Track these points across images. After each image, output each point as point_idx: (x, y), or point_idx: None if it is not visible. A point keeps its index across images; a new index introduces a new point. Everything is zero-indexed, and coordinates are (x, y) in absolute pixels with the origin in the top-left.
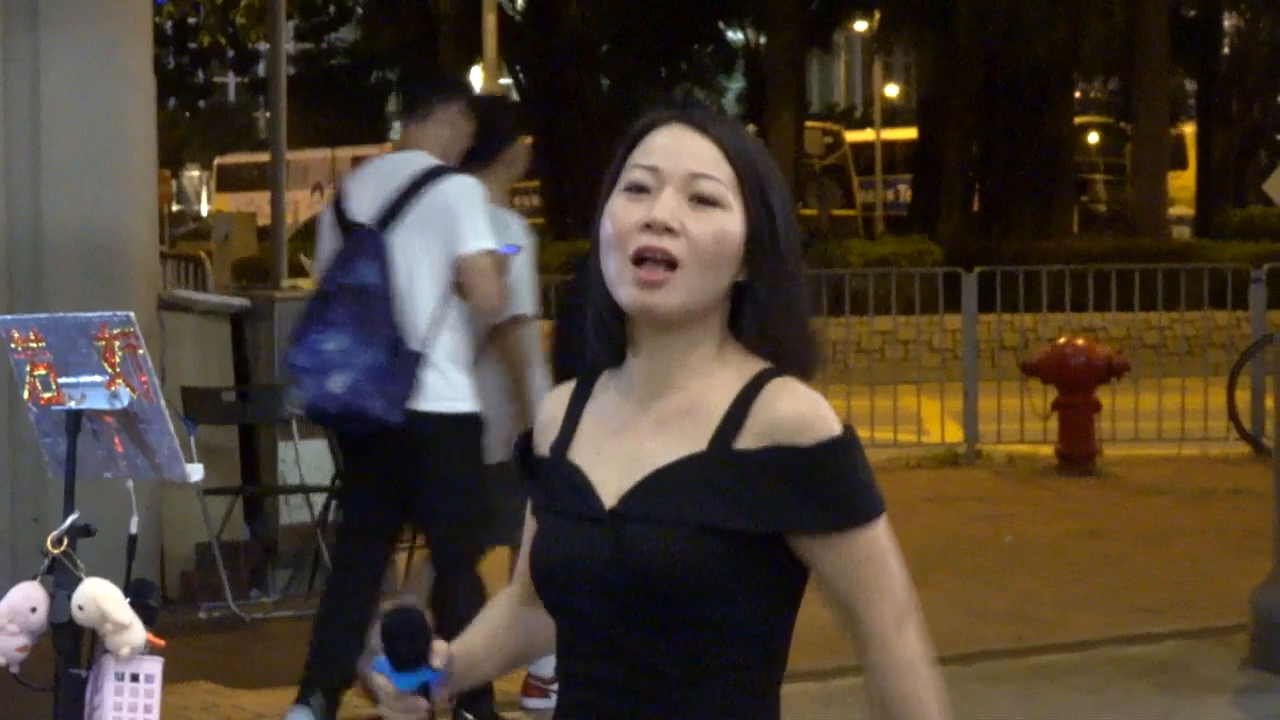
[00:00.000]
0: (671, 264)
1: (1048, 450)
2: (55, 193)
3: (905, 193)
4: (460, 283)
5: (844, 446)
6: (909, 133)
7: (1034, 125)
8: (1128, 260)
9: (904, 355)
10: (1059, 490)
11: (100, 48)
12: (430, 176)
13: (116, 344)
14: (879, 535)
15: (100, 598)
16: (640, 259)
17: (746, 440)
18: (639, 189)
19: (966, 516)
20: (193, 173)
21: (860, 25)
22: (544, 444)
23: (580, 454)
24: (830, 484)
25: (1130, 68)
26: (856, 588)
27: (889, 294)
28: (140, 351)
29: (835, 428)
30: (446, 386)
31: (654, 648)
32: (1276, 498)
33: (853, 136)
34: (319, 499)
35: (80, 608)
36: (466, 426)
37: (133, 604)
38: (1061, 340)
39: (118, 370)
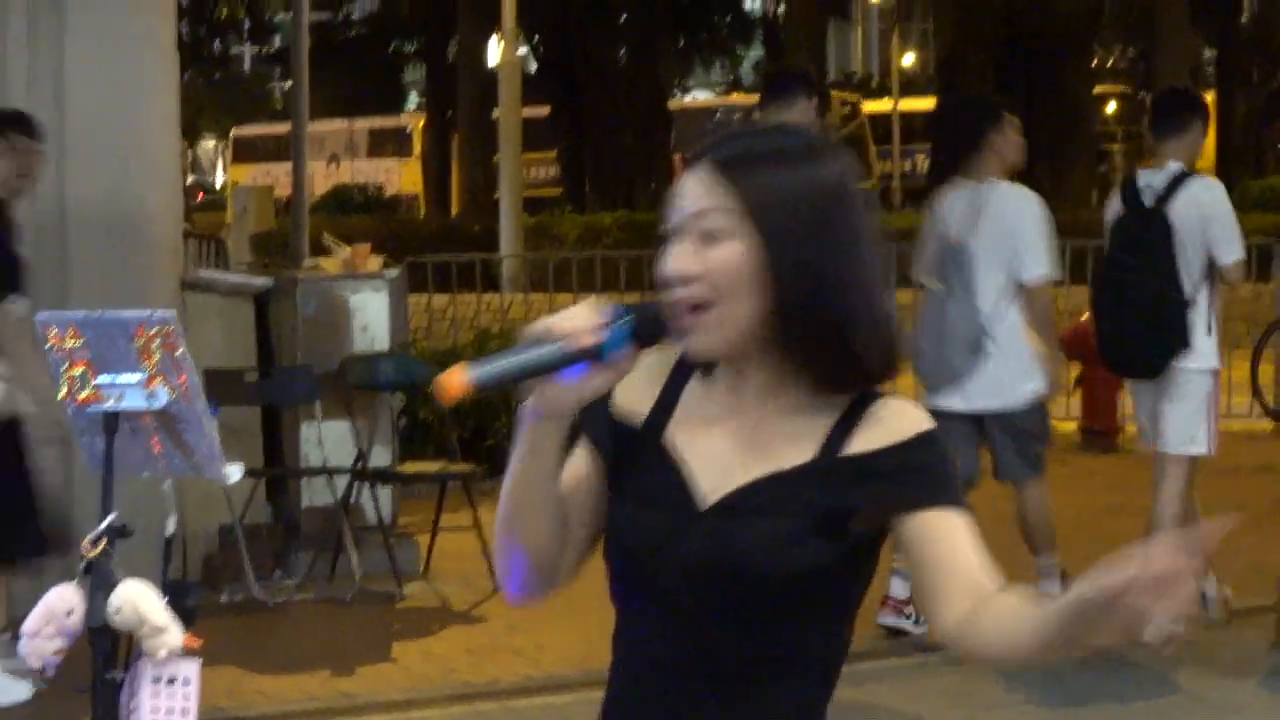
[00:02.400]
0: (698, 307)
1: (1070, 426)
2: (79, 167)
3: (922, 163)
4: None
5: (938, 437)
6: (927, 102)
7: (1052, 93)
8: None
9: None
10: (1082, 466)
11: (124, 19)
12: None
13: (155, 343)
14: (969, 521)
15: (138, 600)
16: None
17: (856, 447)
18: (670, 237)
19: (986, 495)
20: (208, 144)
21: None
22: (632, 407)
23: (677, 441)
24: (931, 466)
25: (1149, 33)
26: (971, 555)
27: (909, 267)
28: (179, 351)
29: (929, 423)
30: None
31: (731, 637)
32: None
33: (870, 106)
34: (342, 481)
35: (117, 611)
36: None
37: (170, 605)
38: (1084, 315)
39: (156, 369)
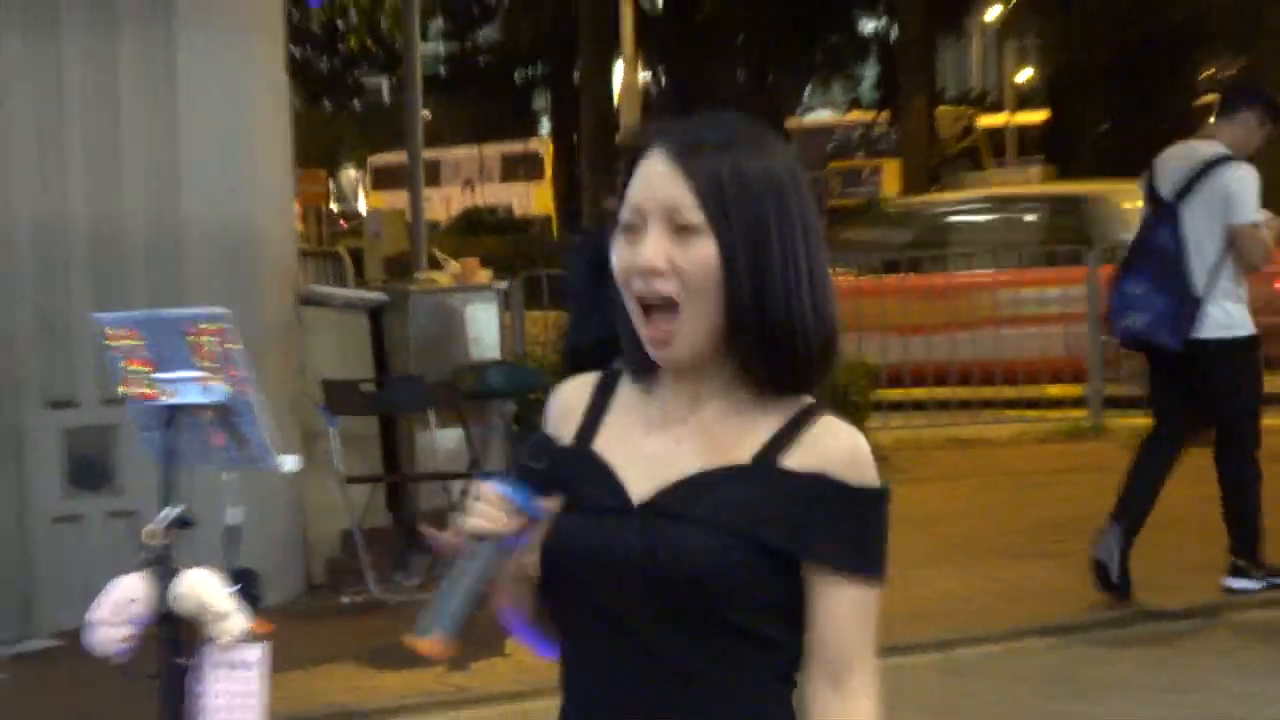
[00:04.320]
0: (670, 305)
1: None
2: (192, 189)
3: (1035, 175)
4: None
5: (883, 499)
6: (1040, 115)
7: (1161, 103)
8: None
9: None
10: (1194, 458)
11: (232, 46)
12: (1217, 163)
13: (208, 339)
14: (875, 599)
15: (198, 587)
16: (645, 306)
17: (793, 461)
18: (631, 229)
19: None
20: (350, 172)
21: (991, 13)
22: (564, 432)
23: (606, 448)
24: (863, 528)
25: (1252, 42)
26: (843, 633)
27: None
28: (233, 346)
29: (877, 480)
30: (1225, 319)
31: (678, 643)
32: None
33: (987, 120)
34: (457, 486)
35: (177, 598)
36: (1242, 347)
37: (237, 593)
38: None
39: (211, 365)
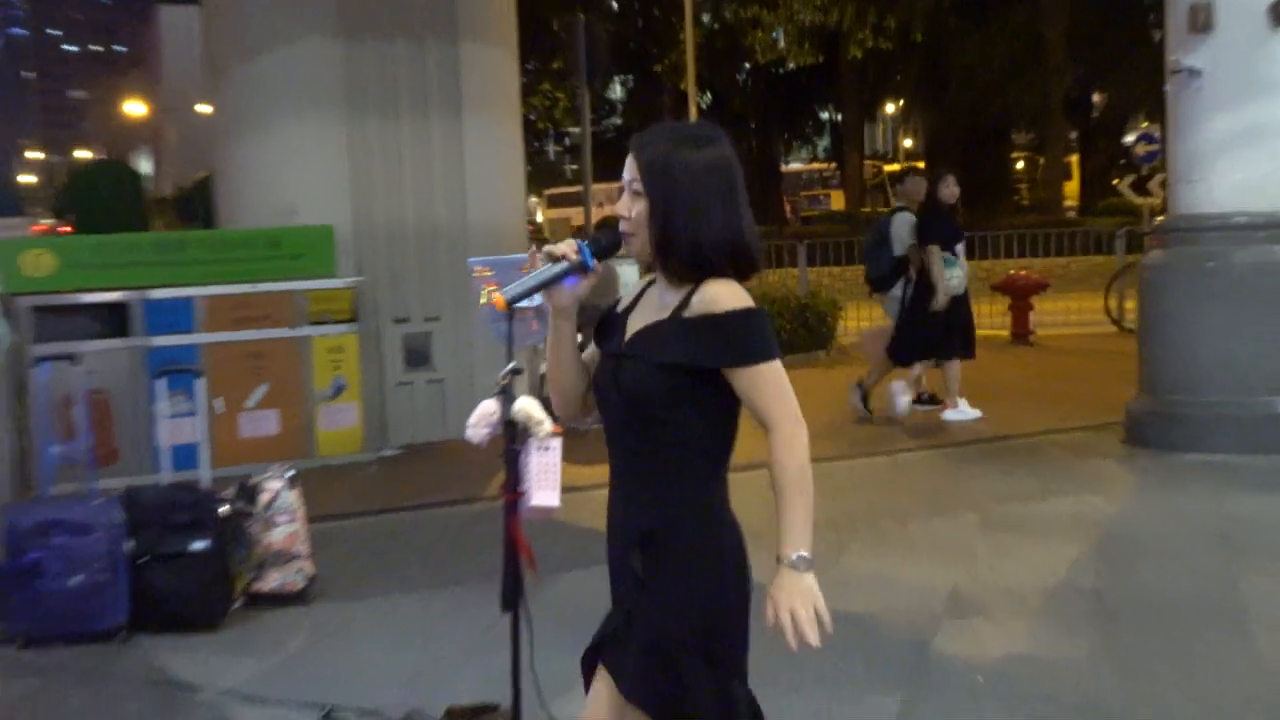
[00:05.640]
0: (630, 234)
1: (1005, 332)
2: (474, 205)
3: None
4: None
5: (747, 314)
6: (921, 164)
7: (989, 159)
8: (1044, 228)
9: None
10: (1014, 354)
11: (493, 124)
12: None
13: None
14: (773, 371)
15: (528, 406)
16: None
17: (689, 313)
18: (620, 192)
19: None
20: (532, 199)
21: (891, 108)
22: (622, 307)
23: (630, 317)
24: (734, 336)
25: (1042, 123)
26: (760, 402)
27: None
28: None
29: (744, 304)
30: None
31: (638, 441)
32: (1138, 355)
33: (889, 168)
34: None
35: (517, 411)
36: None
37: (544, 408)
38: (1011, 271)
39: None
